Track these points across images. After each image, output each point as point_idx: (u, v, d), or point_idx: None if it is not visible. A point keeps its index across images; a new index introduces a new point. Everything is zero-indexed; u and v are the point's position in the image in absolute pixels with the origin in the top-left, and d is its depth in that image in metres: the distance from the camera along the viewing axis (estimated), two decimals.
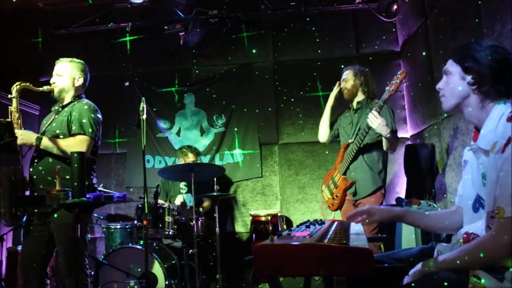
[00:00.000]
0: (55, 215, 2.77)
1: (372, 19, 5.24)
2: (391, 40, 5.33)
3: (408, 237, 3.68)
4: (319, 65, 5.34)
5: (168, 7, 5.33)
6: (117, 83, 5.57)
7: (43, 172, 2.87)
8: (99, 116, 3.11)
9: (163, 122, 5.49)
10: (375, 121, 3.18)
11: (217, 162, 5.32)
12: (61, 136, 2.92)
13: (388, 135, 3.24)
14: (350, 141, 3.57)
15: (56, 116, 3.05)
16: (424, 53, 4.25)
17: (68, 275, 2.81)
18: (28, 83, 2.91)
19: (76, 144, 2.85)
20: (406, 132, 5.11)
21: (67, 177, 2.66)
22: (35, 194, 2.82)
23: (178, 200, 4.62)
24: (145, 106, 3.40)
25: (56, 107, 3.14)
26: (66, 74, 3.10)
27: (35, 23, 5.76)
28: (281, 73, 5.47)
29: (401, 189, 4.94)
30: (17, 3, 5.66)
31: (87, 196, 2.47)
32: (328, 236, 1.62)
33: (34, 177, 2.87)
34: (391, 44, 5.33)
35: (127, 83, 5.55)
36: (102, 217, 4.59)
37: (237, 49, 5.50)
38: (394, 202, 4.52)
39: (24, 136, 2.77)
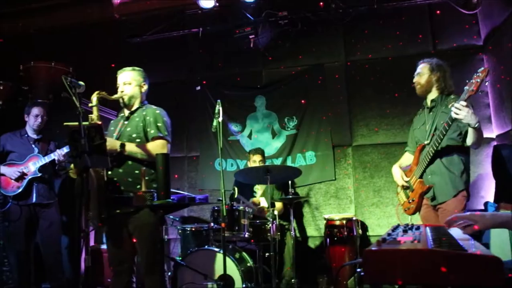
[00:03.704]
0: (135, 216, 2.85)
1: (450, 13, 4.94)
2: (472, 33, 4.98)
3: (500, 244, 3.40)
4: (393, 63, 5.13)
5: (238, 11, 5.36)
6: (189, 88, 5.69)
7: (123, 174, 2.96)
8: (169, 119, 3.22)
9: (234, 125, 5.52)
10: (461, 112, 2.84)
11: (289, 164, 5.24)
12: (137, 140, 3.03)
13: (477, 125, 2.90)
14: (426, 142, 3.30)
15: (127, 122, 3.15)
16: None
17: (148, 274, 2.87)
18: (104, 92, 3.02)
19: (158, 147, 2.96)
20: (491, 132, 4.76)
21: (146, 178, 2.78)
22: (116, 196, 2.90)
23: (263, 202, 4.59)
24: (221, 108, 3.42)
25: (123, 114, 3.25)
26: (133, 82, 3.20)
27: (111, 33, 6.02)
28: (353, 72, 5.30)
29: (486, 193, 4.60)
30: (95, 15, 5.97)
31: (172, 197, 2.51)
32: (434, 242, 1.50)
33: (115, 179, 2.95)
34: (472, 38, 4.98)
35: (198, 88, 5.66)
36: (177, 219, 4.68)
37: (307, 49, 5.42)
38: (482, 207, 4.21)
39: (109, 143, 2.84)
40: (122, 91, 3.17)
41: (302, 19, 5.23)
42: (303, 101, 5.35)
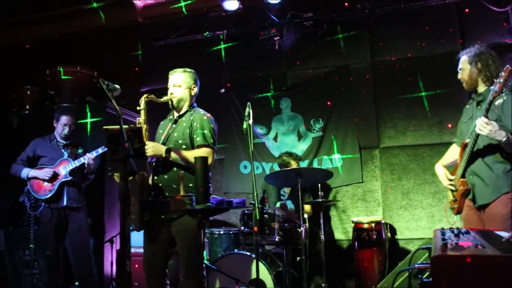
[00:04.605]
0: (178, 220, 2.82)
1: (479, 10, 4.84)
2: (503, 31, 4.86)
3: None
4: (421, 63, 5.04)
5: (262, 13, 5.33)
6: (213, 91, 5.65)
7: (168, 180, 2.94)
8: (216, 126, 3.16)
9: (259, 128, 5.48)
10: (484, 129, 2.72)
11: (316, 167, 5.18)
12: (183, 146, 2.99)
13: (504, 139, 2.73)
14: (467, 140, 3.16)
15: (174, 126, 3.11)
16: None
17: (189, 278, 2.85)
18: (152, 95, 2.98)
19: (202, 155, 2.88)
20: None
21: (190, 185, 2.75)
22: (160, 200, 2.87)
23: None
24: (251, 111, 3.38)
25: (171, 117, 3.20)
26: (183, 84, 3.14)
27: (135, 37, 6.06)
28: (380, 73, 5.22)
29: None
30: (119, 20, 6.01)
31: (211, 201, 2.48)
32: (496, 246, 1.44)
33: (160, 185, 2.94)
34: (503, 36, 4.86)
35: (222, 90, 5.64)
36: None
37: (333, 51, 5.36)
38: None
39: (155, 148, 2.84)
40: (171, 93, 3.11)
41: (327, 20, 5.17)
42: (329, 103, 5.29)
